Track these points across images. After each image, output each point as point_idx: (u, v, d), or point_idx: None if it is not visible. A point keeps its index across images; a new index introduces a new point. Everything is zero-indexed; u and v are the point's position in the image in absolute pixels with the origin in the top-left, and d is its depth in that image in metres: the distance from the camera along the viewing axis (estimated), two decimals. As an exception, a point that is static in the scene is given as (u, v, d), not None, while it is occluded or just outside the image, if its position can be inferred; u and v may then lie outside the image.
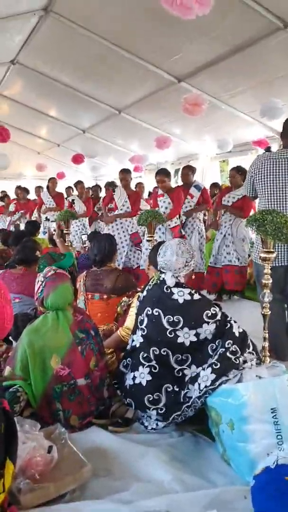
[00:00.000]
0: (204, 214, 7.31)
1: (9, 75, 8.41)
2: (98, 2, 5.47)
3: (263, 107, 6.11)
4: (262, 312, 2.97)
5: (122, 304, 3.45)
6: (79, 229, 8.26)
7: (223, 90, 6.89)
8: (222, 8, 4.67)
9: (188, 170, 6.51)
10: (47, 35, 6.57)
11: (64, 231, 5.42)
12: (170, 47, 6.11)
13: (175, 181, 11.35)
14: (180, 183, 6.98)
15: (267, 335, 2.96)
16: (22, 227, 8.36)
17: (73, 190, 9.76)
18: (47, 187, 8.95)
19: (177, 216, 5.99)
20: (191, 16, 3.08)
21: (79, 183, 8.74)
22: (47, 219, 8.39)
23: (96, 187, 10.23)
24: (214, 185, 8.71)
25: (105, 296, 3.65)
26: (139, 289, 3.19)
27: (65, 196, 9.69)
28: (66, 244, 5.22)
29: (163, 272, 2.69)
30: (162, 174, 6.07)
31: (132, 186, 7.91)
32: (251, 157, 8.39)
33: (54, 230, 5.70)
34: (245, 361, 2.37)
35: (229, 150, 8.51)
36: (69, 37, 6.40)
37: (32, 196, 10.95)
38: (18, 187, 10.28)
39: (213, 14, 3.82)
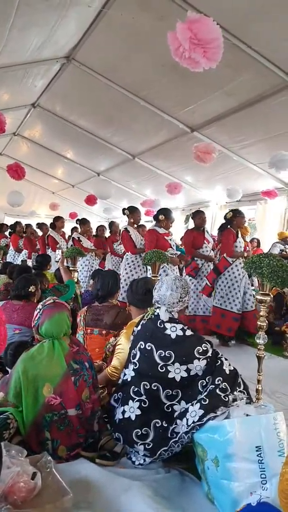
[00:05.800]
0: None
1: (29, 117, 8.83)
2: (118, 54, 5.80)
3: (272, 159, 6.28)
4: (257, 354, 2.98)
5: (108, 346, 3.43)
6: (87, 267, 8.29)
7: (234, 141, 7.15)
8: (236, 65, 4.93)
9: (204, 215, 6.59)
10: (68, 82, 6.94)
11: (71, 268, 5.46)
12: (185, 99, 6.42)
13: (185, 227, 11.54)
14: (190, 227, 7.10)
15: (261, 377, 2.96)
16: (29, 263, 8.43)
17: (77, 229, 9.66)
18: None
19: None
20: (198, 69, 3.25)
21: (85, 222, 8.53)
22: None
23: (102, 227, 10.26)
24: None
25: (104, 332, 3.65)
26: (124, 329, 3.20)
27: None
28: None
29: (158, 307, 2.72)
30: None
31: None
32: (260, 207, 8.56)
33: (57, 261, 5.71)
34: (234, 399, 2.37)
35: (238, 199, 8.68)
36: (88, 85, 6.75)
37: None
38: (28, 226, 10.44)
39: (227, 70, 4.03)
